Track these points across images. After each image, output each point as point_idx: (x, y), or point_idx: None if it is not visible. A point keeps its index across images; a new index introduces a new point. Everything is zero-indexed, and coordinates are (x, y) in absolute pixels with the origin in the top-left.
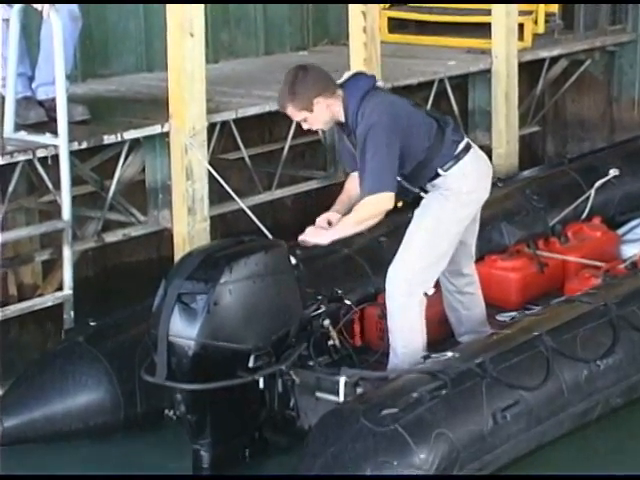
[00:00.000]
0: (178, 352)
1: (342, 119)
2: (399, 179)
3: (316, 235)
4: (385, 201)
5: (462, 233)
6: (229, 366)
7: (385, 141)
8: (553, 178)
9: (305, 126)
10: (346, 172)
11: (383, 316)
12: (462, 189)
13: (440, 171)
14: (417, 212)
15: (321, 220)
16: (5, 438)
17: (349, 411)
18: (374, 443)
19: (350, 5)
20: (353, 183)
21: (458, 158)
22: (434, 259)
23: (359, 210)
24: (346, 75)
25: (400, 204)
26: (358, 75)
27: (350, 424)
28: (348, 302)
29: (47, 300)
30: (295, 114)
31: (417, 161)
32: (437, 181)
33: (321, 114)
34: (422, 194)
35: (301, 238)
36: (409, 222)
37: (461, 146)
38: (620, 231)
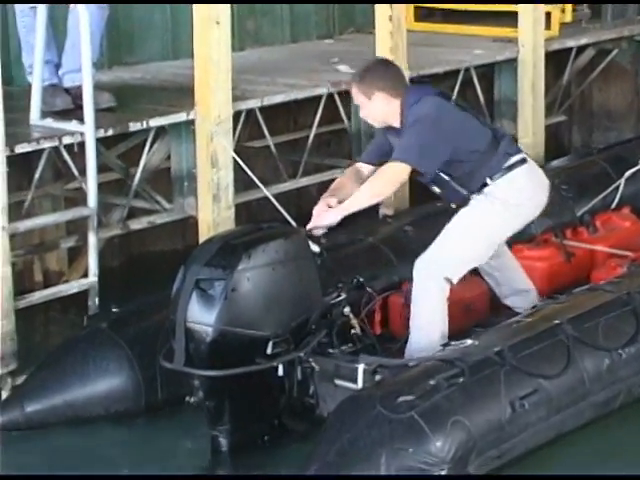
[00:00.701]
0: (196, 338)
1: (395, 124)
2: (447, 179)
3: (323, 218)
4: (402, 171)
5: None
6: (247, 353)
7: (428, 125)
8: (582, 168)
9: (361, 113)
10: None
11: (407, 304)
12: (509, 200)
13: (488, 180)
14: (463, 210)
15: (320, 208)
16: (27, 422)
17: (366, 398)
18: (390, 430)
19: None
20: (353, 174)
21: (509, 170)
22: (467, 258)
23: (377, 177)
24: None
25: (454, 206)
26: (422, 84)
27: (367, 411)
28: (369, 290)
29: (72, 287)
30: (356, 96)
31: (467, 165)
32: (486, 190)
33: (376, 108)
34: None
35: (309, 227)
36: (437, 212)
37: (513, 159)
38: None
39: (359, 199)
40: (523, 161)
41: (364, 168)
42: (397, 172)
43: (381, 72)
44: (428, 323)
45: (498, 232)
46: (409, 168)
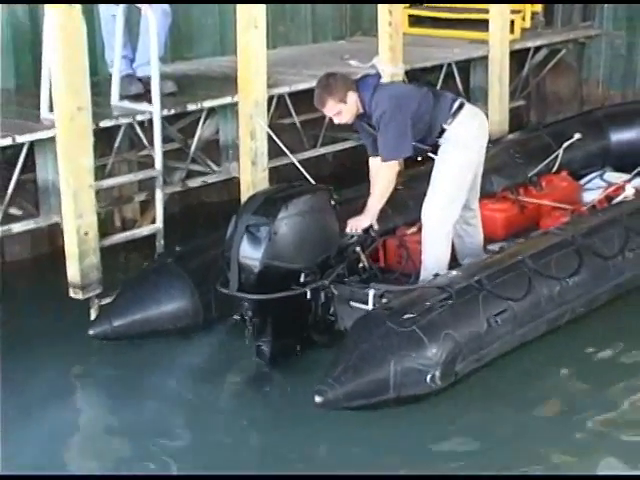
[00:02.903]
0: (246, 270)
1: (362, 110)
2: (415, 143)
3: (358, 223)
4: (393, 167)
5: (474, 174)
6: (285, 281)
7: (396, 119)
8: (531, 140)
9: (336, 120)
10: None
11: (400, 245)
12: (467, 135)
13: (445, 126)
14: (437, 160)
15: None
16: (114, 334)
17: (378, 316)
18: (397, 341)
19: (379, 5)
20: (373, 168)
21: (456, 113)
22: (459, 198)
23: (378, 184)
24: (374, 60)
25: (420, 159)
26: (366, 76)
27: (378, 326)
28: (373, 234)
29: (143, 231)
30: (332, 107)
31: (427, 126)
32: (445, 135)
33: (352, 106)
34: (438, 147)
35: (347, 231)
36: (422, 174)
37: (456, 105)
38: (582, 182)
39: (375, 202)
40: (462, 104)
41: (375, 160)
42: (390, 171)
43: (337, 78)
44: (439, 259)
45: (470, 166)
46: (397, 162)
